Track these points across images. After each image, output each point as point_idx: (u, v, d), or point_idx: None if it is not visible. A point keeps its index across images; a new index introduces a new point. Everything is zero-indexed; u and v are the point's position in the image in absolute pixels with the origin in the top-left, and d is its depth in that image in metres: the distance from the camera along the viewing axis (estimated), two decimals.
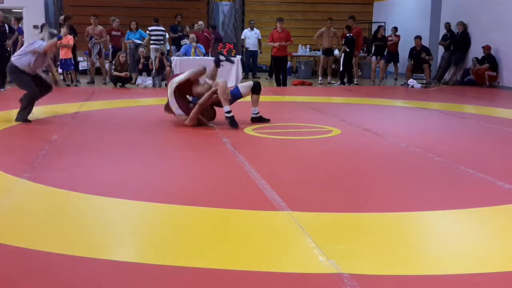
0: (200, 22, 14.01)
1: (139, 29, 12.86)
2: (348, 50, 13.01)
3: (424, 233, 3.27)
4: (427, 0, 14.86)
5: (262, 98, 10.09)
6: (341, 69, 13.38)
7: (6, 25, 10.53)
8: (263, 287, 2.48)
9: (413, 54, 12.93)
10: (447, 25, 13.33)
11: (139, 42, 12.62)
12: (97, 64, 12.91)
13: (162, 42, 13.08)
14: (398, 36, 14.18)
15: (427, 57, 12.71)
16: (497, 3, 12.30)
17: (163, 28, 13.27)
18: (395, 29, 14.35)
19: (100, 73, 13.35)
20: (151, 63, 12.05)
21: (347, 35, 13.08)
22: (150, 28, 13.10)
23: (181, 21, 14.14)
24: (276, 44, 12.19)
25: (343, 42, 13.13)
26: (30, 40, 8.10)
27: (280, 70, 12.49)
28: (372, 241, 3.01)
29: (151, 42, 13.01)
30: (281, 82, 12.47)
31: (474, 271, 2.64)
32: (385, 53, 13.73)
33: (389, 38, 14.25)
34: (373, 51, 13.52)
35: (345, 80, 13.23)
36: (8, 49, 10.55)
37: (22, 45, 12.14)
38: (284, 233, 3.12)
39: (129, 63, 12.00)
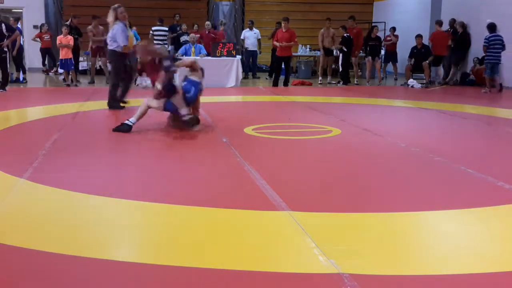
0: (208, 22, 14.12)
1: (133, 29, 12.85)
2: (346, 49, 13.03)
3: (424, 233, 3.27)
4: (427, 0, 14.87)
5: (263, 98, 10.13)
6: (340, 69, 13.40)
7: (3, 25, 10.48)
8: (263, 287, 2.48)
9: (414, 53, 12.91)
10: (451, 21, 13.31)
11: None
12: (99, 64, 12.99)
13: (166, 42, 13.17)
14: (397, 36, 14.20)
15: (428, 60, 12.69)
16: (497, 3, 12.31)
17: (166, 28, 13.33)
18: (393, 29, 14.37)
19: (100, 73, 13.37)
20: None
21: (344, 35, 13.11)
22: (153, 28, 13.17)
23: (180, 20, 14.20)
24: (278, 44, 12.16)
25: (340, 42, 13.16)
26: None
27: (280, 70, 12.47)
28: (372, 241, 3.01)
29: (155, 42, 13.08)
30: (283, 82, 12.45)
31: (474, 271, 2.64)
32: (381, 53, 13.74)
33: (388, 38, 14.26)
34: (367, 52, 13.51)
35: (339, 79, 13.31)
36: (5, 49, 10.49)
37: (19, 44, 12.18)
38: (284, 233, 3.12)
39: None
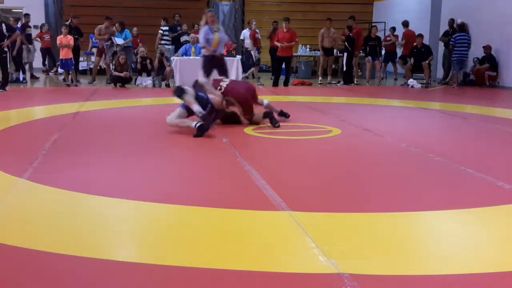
0: None
1: (126, 30, 12.84)
2: (350, 49, 13.02)
3: (424, 233, 3.27)
4: (427, 0, 14.87)
5: (262, 98, 10.11)
6: (344, 69, 13.37)
7: (3, 25, 10.48)
8: (263, 287, 2.48)
9: (414, 52, 12.90)
10: (451, 21, 13.32)
11: (121, 42, 12.55)
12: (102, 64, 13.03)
13: (170, 41, 13.32)
14: (396, 36, 14.19)
15: (428, 60, 12.66)
16: (498, 3, 12.31)
17: (167, 28, 13.48)
18: (393, 29, 14.36)
19: (100, 73, 13.39)
20: (149, 63, 12.05)
21: (349, 34, 13.09)
22: (163, 28, 13.32)
23: (180, 20, 14.23)
24: (279, 44, 12.15)
25: (345, 41, 13.14)
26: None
27: (281, 70, 12.46)
28: (372, 241, 3.01)
29: (162, 41, 13.36)
30: (283, 82, 12.45)
31: (474, 271, 2.64)
32: (382, 53, 13.73)
33: (387, 38, 14.24)
34: (367, 52, 13.51)
35: (339, 79, 13.30)
36: (5, 49, 10.49)
37: (19, 44, 12.18)
38: (284, 233, 3.12)
39: (128, 64, 12.00)
